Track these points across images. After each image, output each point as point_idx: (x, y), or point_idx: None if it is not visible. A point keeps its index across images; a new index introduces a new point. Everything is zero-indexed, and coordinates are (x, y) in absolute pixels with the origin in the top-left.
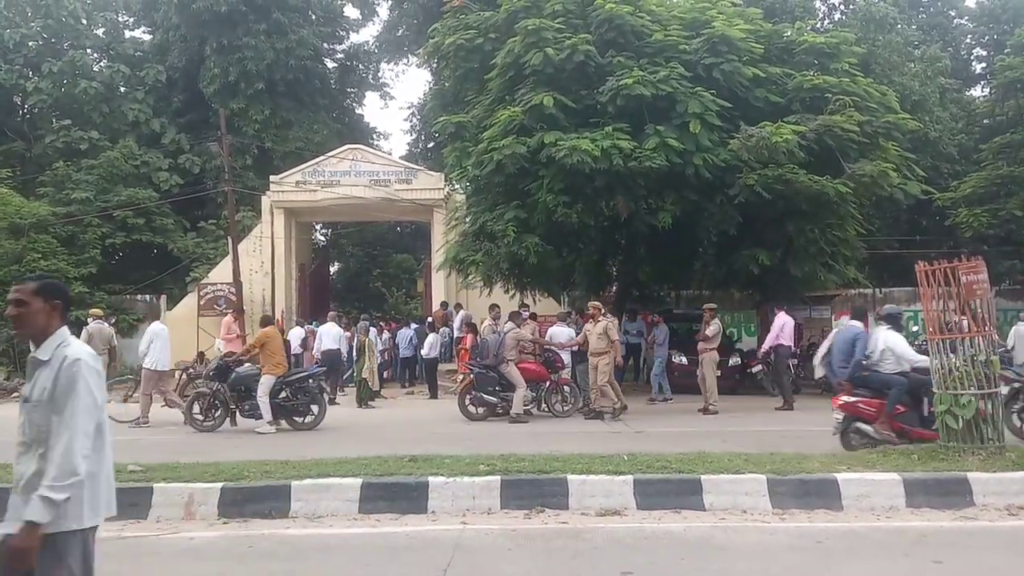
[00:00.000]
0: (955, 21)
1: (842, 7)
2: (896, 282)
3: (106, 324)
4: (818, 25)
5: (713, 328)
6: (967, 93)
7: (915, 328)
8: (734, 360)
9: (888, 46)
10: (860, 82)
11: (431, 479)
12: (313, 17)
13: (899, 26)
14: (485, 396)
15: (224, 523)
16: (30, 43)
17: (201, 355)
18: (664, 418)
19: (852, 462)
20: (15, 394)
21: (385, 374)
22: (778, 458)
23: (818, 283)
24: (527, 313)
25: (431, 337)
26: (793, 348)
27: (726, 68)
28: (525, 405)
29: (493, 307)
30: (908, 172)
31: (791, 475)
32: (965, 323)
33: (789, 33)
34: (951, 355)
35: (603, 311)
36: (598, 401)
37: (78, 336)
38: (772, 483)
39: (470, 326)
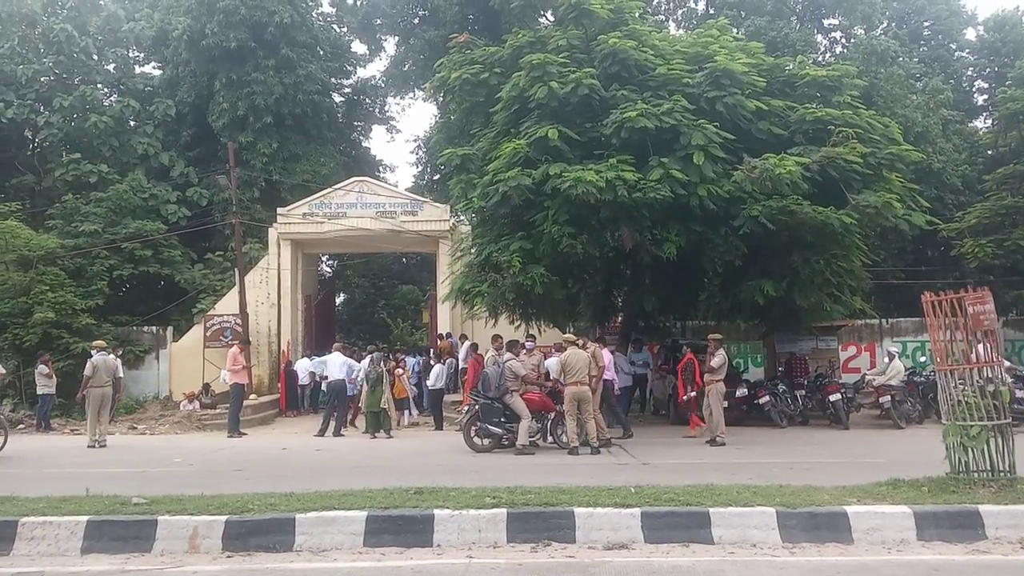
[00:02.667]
0: (956, 54)
1: (843, 41)
2: (902, 312)
3: (111, 355)
4: (819, 59)
5: (718, 359)
6: (970, 125)
7: (923, 359)
8: (741, 391)
9: (890, 79)
10: (863, 114)
11: (437, 512)
12: (321, 52)
13: (900, 59)
14: (490, 427)
15: (228, 557)
16: (42, 78)
17: (207, 386)
18: (671, 450)
19: (862, 495)
20: (20, 425)
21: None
22: (787, 491)
23: (824, 314)
24: (532, 344)
25: (437, 368)
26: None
27: (729, 101)
28: (531, 436)
29: (496, 338)
30: (913, 203)
31: (801, 508)
32: (976, 353)
33: (791, 67)
34: (960, 385)
35: (581, 342)
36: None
37: (81, 367)
38: (782, 516)
39: (477, 357)
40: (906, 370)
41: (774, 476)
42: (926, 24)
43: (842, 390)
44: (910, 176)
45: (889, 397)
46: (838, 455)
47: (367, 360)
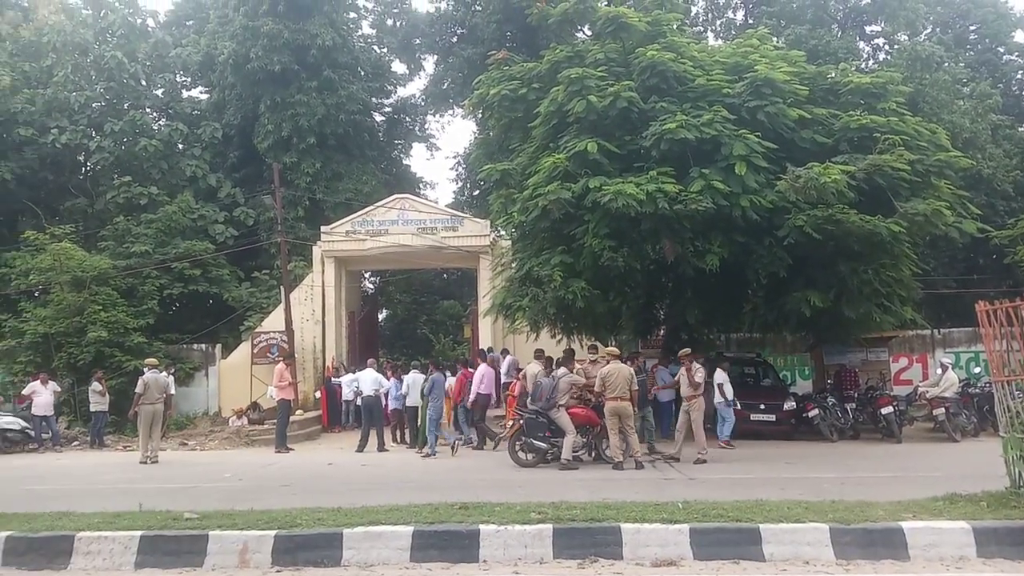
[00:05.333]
0: (1004, 57)
1: (886, 47)
2: (954, 322)
3: (162, 373)
4: (862, 66)
5: (701, 374)
6: (1020, 129)
7: (977, 370)
8: (789, 404)
9: (936, 84)
10: (909, 121)
11: (482, 527)
12: (362, 73)
13: (946, 64)
14: (535, 442)
15: (278, 571)
16: (94, 104)
17: (255, 403)
18: (718, 465)
19: (918, 510)
20: (75, 442)
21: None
22: (840, 506)
23: (874, 325)
24: (595, 355)
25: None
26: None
27: (770, 110)
28: (575, 451)
29: (539, 352)
30: (962, 210)
31: (855, 524)
32: None
33: (833, 74)
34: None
35: (607, 357)
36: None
37: (133, 384)
38: (835, 532)
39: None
40: (960, 381)
41: (825, 491)
42: (972, 28)
43: (894, 403)
44: (959, 183)
45: (943, 409)
46: (891, 469)
47: (411, 375)
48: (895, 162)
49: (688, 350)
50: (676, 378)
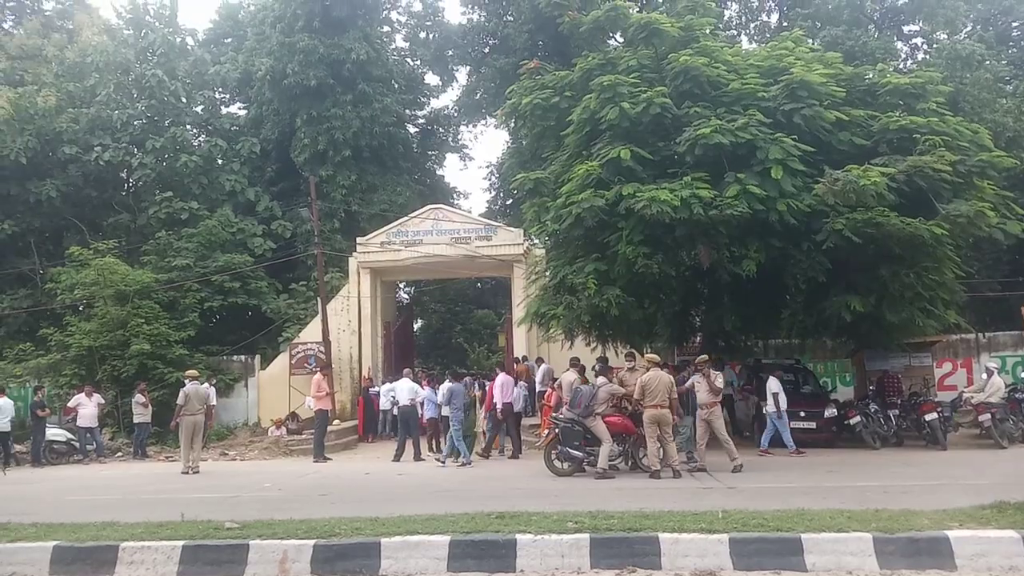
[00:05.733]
0: None
1: (925, 47)
2: (1000, 326)
3: (202, 384)
4: (901, 66)
5: (722, 379)
6: None
7: (1023, 374)
8: (830, 411)
9: (977, 83)
10: (949, 121)
11: (519, 537)
12: (396, 86)
13: (987, 62)
14: (571, 451)
15: None
16: (135, 122)
17: (294, 414)
18: (757, 473)
19: (964, 518)
20: (119, 453)
21: None
22: (884, 515)
23: (916, 329)
24: (632, 361)
25: (515, 391)
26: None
27: (807, 113)
28: (611, 460)
29: (574, 360)
30: (1007, 211)
31: (899, 533)
32: None
33: (871, 75)
34: None
35: (647, 364)
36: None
37: (175, 396)
38: (879, 542)
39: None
40: (1006, 386)
41: (868, 500)
42: (1015, 24)
43: (938, 409)
44: (1003, 183)
45: (989, 415)
46: (936, 477)
47: (446, 385)
48: (936, 163)
49: (705, 356)
50: (685, 385)
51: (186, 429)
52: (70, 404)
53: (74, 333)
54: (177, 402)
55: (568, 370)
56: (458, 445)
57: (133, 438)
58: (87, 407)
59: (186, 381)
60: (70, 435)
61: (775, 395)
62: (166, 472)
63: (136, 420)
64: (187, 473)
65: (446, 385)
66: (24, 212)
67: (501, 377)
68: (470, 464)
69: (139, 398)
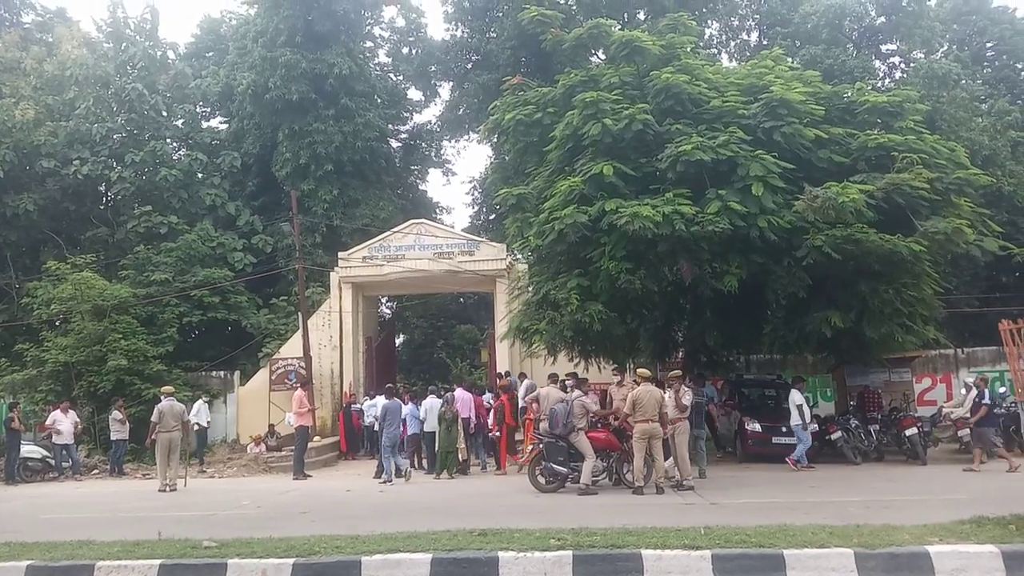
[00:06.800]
0: (1022, 74)
1: (902, 66)
2: (978, 341)
3: (176, 401)
4: (879, 85)
5: (689, 397)
6: None
7: (1002, 389)
8: (812, 427)
9: (953, 102)
10: (927, 139)
11: (501, 554)
12: (378, 100)
13: (963, 81)
14: (555, 466)
15: None
16: (115, 136)
17: (272, 428)
18: (740, 489)
19: (944, 533)
20: (95, 471)
21: None
22: (865, 530)
23: (896, 344)
24: (572, 381)
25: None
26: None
27: (786, 130)
28: (595, 476)
29: (552, 376)
30: (984, 228)
31: (880, 549)
32: None
33: (849, 94)
34: None
35: (638, 379)
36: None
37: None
38: (860, 557)
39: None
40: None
41: (850, 515)
42: (989, 45)
43: (918, 424)
44: (980, 200)
45: (968, 430)
46: (917, 492)
47: (429, 400)
48: (914, 180)
49: (678, 372)
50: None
51: (161, 446)
52: (47, 422)
53: (50, 348)
54: (151, 419)
55: (548, 386)
56: (384, 461)
57: (110, 455)
58: (63, 424)
59: (162, 397)
60: (45, 452)
61: (799, 407)
62: (143, 490)
63: (113, 437)
64: (164, 491)
65: (430, 400)
66: (0, 226)
67: (458, 392)
68: (391, 483)
69: (116, 414)
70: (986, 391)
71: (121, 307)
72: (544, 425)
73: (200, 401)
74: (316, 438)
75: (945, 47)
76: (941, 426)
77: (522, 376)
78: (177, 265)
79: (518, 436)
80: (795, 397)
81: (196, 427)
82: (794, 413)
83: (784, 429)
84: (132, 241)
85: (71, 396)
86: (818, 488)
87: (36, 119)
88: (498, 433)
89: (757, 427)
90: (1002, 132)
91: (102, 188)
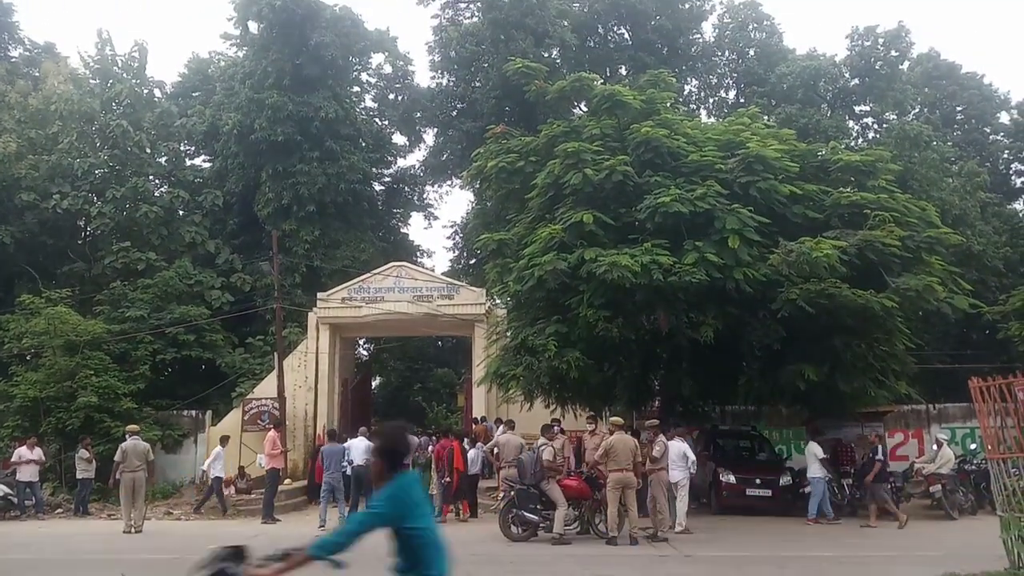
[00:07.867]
0: (991, 137)
1: (875, 126)
2: (949, 397)
3: (141, 440)
4: (852, 144)
5: (659, 448)
6: (1008, 207)
7: (973, 446)
8: (785, 480)
9: (925, 162)
10: (899, 198)
11: None
12: (363, 144)
13: (934, 143)
14: (527, 515)
15: None
16: (97, 171)
17: (242, 469)
18: (714, 542)
19: None
20: (59, 510)
21: None
22: None
23: (868, 399)
24: (557, 427)
25: (472, 453)
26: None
27: (762, 186)
28: (567, 524)
29: (510, 422)
30: (954, 286)
31: None
32: None
33: (824, 152)
34: (1015, 474)
35: (612, 428)
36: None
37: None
38: None
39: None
40: (956, 457)
41: (823, 571)
42: (959, 109)
43: (891, 479)
44: (950, 259)
45: (940, 486)
46: (889, 548)
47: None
48: (886, 238)
49: (656, 421)
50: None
51: (125, 486)
52: (13, 459)
53: (19, 383)
54: (115, 458)
55: (506, 432)
56: (320, 509)
57: (75, 494)
58: (28, 458)
59: (127, 436)
60: (8, 490)
61: (821, 460)
62: (108, 531)
63: (79, 475)
64: (129, 532)
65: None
66: None
67: (355, 441)
68: (322, 527)
69: (83, 453)
70: (879, 447)
71: (94, 343)
72: (505, 472)
73: (219, 447)
74: (287, 481)
75: (917, 109)
76: (913, 481)
77: (498, 422)
78: (153, 302)
79: (491, 483)
80: (816, 450)
81: (208, 477)
82: (812, 466)
83: (759, 481)
84: (109, 276)
85: (38, 432)
86: (792, 542)
87: (18, 152)
88: (449, 479)
89: (732, 478)
90: (971, 193)
91: (81, 223)
